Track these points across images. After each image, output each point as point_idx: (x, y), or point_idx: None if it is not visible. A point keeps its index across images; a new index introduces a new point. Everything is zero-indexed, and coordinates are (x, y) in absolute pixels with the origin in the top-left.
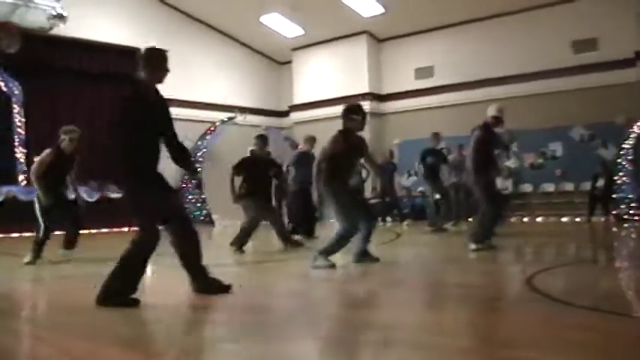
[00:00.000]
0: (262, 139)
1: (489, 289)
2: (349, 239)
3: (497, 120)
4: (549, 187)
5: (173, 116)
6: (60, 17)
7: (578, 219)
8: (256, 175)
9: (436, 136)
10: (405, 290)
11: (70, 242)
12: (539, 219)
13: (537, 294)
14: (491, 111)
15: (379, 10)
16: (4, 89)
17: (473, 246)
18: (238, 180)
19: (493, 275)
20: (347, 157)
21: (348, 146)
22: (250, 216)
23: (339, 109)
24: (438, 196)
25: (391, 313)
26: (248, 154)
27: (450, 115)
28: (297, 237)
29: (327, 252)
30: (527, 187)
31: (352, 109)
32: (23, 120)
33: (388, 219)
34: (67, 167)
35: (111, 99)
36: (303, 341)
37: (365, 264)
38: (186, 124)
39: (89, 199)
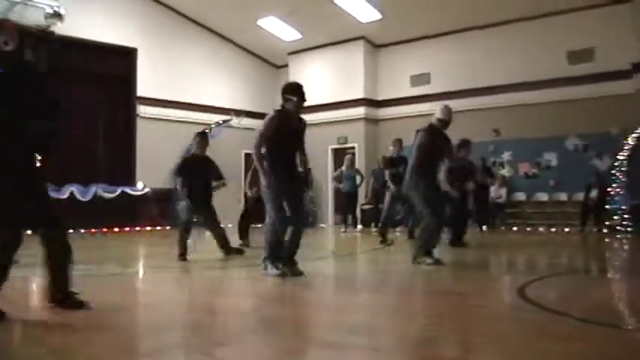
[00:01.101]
0: (202, 137)
1: (480, 297)
2: (276, 234)
3: (443, 122)
4: (543, 197)
5: (170, 117)
6: (57, 16)
7: (570, 229)
8: (195, 176)
9: (399, 142)
10: (392, 297)
11: None
12: (532, 228)
13: (528, 303)
14: (437, 113)
15: (376, 16)
16: None
17: (427, 260)
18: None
19: (484, 284)
20: (285, 138)
21: (285, 127)
22: (180, 221)
23: (334, 114)
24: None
25: (375, 319)
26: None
27: None
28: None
29: (272, 257)
30: (520, 196)
31: (288, 88)
32: None
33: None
34: None
35: (107, 98)
36: (294, 345)
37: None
38: (180, 125)
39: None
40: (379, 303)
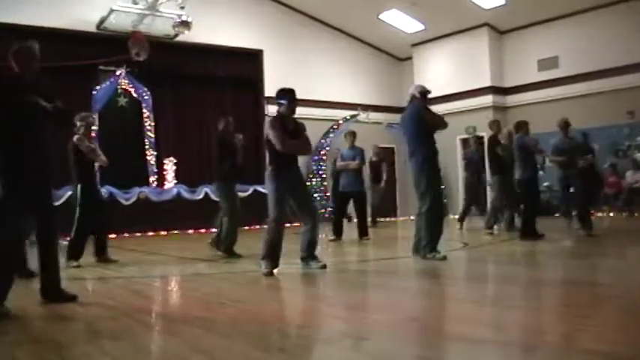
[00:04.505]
0: (226, 121)
1: (620, 288)
2: (276, 233)
3: (422, 96)
4: None
5: (298, 115)
6: (185, 24)
7: None
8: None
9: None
10: (526, 288)
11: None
12: None
13: None
14: (412, 89)
15: (500, 1)
16: (135, 95)
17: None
18: None
19: (623, 273)
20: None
21: (283, 131)
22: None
23: (461, 104)
24: None
25: (511, 311)
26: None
27: (577, 106)
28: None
29: (265, 255)
30: None
31: (278, 93)
32: (153, 124)
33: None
34: None
35: (236, 101)
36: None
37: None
38: (308, 122)
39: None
40: (515, 294)
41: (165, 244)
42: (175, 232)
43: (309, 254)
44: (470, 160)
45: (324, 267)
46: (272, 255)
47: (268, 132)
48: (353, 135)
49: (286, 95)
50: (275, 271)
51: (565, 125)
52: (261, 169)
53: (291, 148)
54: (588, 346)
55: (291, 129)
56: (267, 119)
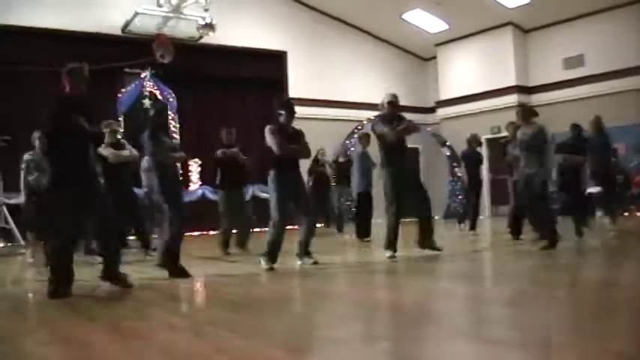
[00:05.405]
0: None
1: (636, 289)
2: (278, 234)
3: (392, 105)
4: None
5: (324, 116)
6: (209, 26)
7: None
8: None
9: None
10: (543, 288)
11: None
12: None
13: None
14: (385, 98)
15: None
16: (160, 97)
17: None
18: None
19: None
20: None
21: (281, 138)
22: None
23: (486, 104)
24: None
25: (527, 311)
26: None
27: (603, 105)
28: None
29: (266, 253)
30: None
31: (278, 104)
32: (177, 126)
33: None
34: None
35: (260, 102)
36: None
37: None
38: (333, 123)
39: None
40: (531, 294)
41: (189, 244)
42: (211, 232)
43: (302, 251)
44: (468, 158)
45: (315, 263)
46: (272, 253)
47: (267, 139)
48: (368, 137)
49: (285, 107)
50: (275, 266)
51: (526, 113)
52: None
53: (290, 151)
54: (601, 346)
55: (289, 135)
56: (267, 127)
